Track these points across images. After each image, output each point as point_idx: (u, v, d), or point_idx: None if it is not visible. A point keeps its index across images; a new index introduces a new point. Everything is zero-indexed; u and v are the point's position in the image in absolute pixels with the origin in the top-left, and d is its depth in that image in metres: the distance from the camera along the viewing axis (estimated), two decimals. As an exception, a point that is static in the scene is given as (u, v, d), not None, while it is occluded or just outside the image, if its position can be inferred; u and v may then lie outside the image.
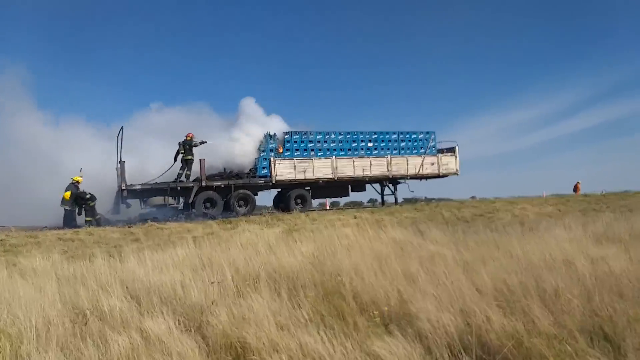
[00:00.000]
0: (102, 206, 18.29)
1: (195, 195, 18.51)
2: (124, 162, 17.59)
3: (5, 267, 8.72)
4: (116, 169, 18.09)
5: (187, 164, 18.78)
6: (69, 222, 15.99)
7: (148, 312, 5.83)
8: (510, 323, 4.33)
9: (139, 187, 17.85)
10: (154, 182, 18.34)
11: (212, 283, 6.56)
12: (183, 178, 18.68)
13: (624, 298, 4.89)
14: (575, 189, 31.20)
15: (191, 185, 18.60)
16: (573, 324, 4.15)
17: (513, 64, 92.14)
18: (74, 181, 16.39)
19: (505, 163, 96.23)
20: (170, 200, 18.82)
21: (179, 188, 18.55)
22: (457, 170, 23.38)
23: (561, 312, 4.53)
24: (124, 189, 17.41)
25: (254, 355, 4.43)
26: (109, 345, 4.71)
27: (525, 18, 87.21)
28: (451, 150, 23.49)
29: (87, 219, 16.23)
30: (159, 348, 4.66)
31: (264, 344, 4.60)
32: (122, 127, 17.99)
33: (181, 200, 19.64)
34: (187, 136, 18.82)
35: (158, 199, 18.72)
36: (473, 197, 31.95)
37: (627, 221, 11.88)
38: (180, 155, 18.74)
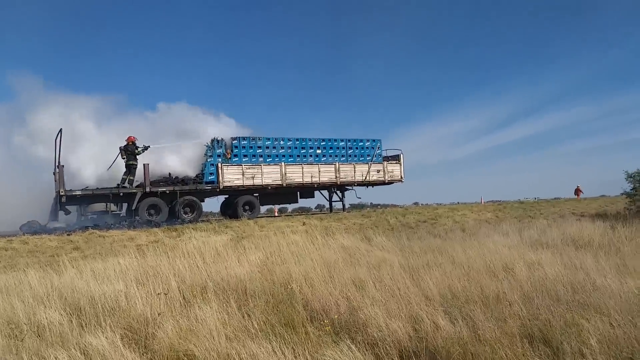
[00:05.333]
0: (39, 213, 17.32)
1: (139, 201, 17.82)
2: (63, 166, 16.67)
3: None
4: (54, 173, 17.11)
5: (129, 169, 18.04)
6: None
7: (89, 326, 5.58)
8: (456, 329, 4.49)
9: (79, 192, 16.98)
10: (94, 187, 17.52)
11: (157, 294, 6.36)
12: (126, 184, 17.94)
13: (560, 302, 5.19)
14: (577, 192, 31.86)
15: (134, 191, 17.91)
16: (514, 329, 4.37)
17: (453, 75, 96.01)
18: None
19: (446, 170, 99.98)
20: (112, 206, 18.04)
21: (121, 194, 17.81)
22: (402, 177, 24.03)
23: (503, 317, 4.74)
24: (62, 195, 16.50)
25: (202, 368, 4.32)
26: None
27: (466, 29, 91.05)
28: (396, 158, 24.13)
29: None
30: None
31: (213, 356, 4.51)
32: (60, 130, 17.04)
33: (124, 206, 18.87)
34: (128, 140, 18.04)
35: (99, 206, 17.90)
36: (416, 203, 32.96)
37: (558, 228, 12.67)
38: (120, 160, 17.98)
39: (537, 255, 8.22)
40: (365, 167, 22.82)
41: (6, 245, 11.85)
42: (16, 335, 5.35)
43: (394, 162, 23.97)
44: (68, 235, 13.61)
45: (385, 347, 4.42)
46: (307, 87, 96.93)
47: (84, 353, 4.71)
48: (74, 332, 5.44)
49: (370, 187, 24.03)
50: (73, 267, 8.36)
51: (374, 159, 23.20)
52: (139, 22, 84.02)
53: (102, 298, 6.48)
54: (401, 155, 24.08)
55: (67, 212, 18.19)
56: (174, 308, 6.00)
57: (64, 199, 16.73)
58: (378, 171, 23.22)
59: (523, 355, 3.83)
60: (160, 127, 20.89)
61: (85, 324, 5.68)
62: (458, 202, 24.87)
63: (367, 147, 23.23)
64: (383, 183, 23.73)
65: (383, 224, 17.34)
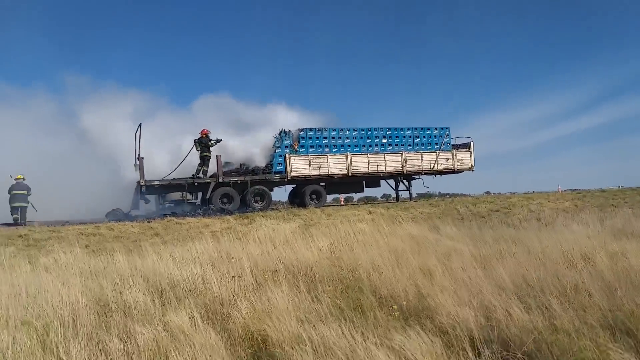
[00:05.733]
0: (121, 202, 18.65)
1: (213, 190, 18.72)
2: (142, 158, 17.83)
3: (29, 261, 8.92)
4: (134, 165, 18.35)
5: (203, 160, 18.96)
6: (25, 217, 16.61)
7: (170, 305, 5.95)
8: (531, 319, 4.34)
9: (157, 183, 18.10)
10: (171, 178, 18.57)
11: (232, 277, 6.66)
12: (200, 174, 18.88)
13: (645, 293, 4.85)
14: None
15: (208, 181, 18.80)
16: (594, 320, 4.15)
17: (527, 60, 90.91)
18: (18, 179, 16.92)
19: (520, 159, 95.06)
20: (188, 196, 19.06)
21: (196, 184, 18.77)
22: (472, 165, 23.28)
23: (582, 308, 4.52)
24: (142, 185, 17.66)
25: (276, 348, 4.48)
26: (134, 338, 4.81)
27: (539, 16, 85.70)
28: (466, 146, 23.40)
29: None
30: (182, 340, 4.75)
31: (285, 336, 4.67)
32: (140, 124, 18.23)
33: (199, 195, 19.85)
34: (202, 133, 18.96)
35: (176, 195, 18.97)
36: (488, 193, 31.75)
37: (646, 217, 11.74)
38: (195, 152, 18.93)
39: (621, 245, 7.68)
40: (433, 156, 22.33)
41: (94, 231, 12.88)
42: (105, 313, 5.80)
43: (464, 150, 23.26)
44: (148, 222, 14.55)
45: (456, 333, 4.36)
46: (372, 72, 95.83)
47: (167, 329, 5.04)
48: (157, 310, 5.82)
49: (438, 176, 23.48)
50: (154, 252, 8.93)
51: (442, 147, 22.63)
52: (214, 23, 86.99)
53: (181, 280, 6.88)
54: (471, 142, 23.33)
55: (147, 201, 19.47)
56: (247, 290, 6.25)
57: (144, 189, 17.90)
58: (447, 159, 22.64)
59: (604, 345, 3.63)
60: (230, 118, 21.70)
61: (167, 304, 6.07)
62: (533, 192, 23.63)
63: (435, 136, 22.70)
64: (452, 172, 23.11)
65: (452, 213, 16.92)
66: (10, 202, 16.58)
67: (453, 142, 23.36)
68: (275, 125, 20.79)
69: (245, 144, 20.41)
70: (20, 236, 12.15)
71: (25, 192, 16.76)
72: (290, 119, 21.36)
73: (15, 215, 16.47)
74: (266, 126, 21.00)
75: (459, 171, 23.24)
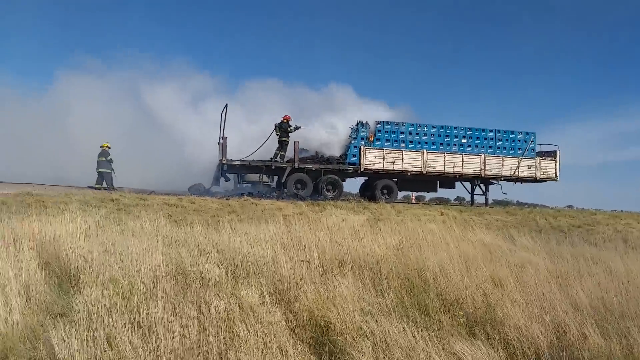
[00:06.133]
0: (203, 178, 19.73)
1: (288, 175, 19.24)
2: (226, 137, 18.70)
3: (118, 224, 9.71)
4: (218, 143, 19.27)
5: (282, 145, 19.52)
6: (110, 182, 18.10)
7: (241, 280, 6.26)
8: (608, 344, 4.13)
9: (237, 162, 18.91)
10: (250, 159, 19.31)
11: (301, 261, 6.86)
12: (278, 158, 19.47)
13: None
14: None
15: (285, 165, 19.34)
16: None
17: (627, 66, 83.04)
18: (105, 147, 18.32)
19: (610, 173, 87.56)
20: (264, 178, 19.77)
21: (273, 167, 19.38)
22: (556, 175, 21.97)
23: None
24: (224, 163, 18.56)
25: (338, 336, 4.60)
26: (207, 307, 5.13)
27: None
28: (552, 154, 22.10)
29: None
30: (251, 315, 5.00)
31: (348, 326, 4.77)
32: (226, 105, 19.10)
33: (274, 179, 20.48)
34: (283, 118, 19.53)
35: (254, 176, 19.78)
36: (570, 207, 29.84)
37: None
38: (275, 136, 19.52)
39: None
40: (514, 161, 21.34)
41: (177, 203, 13.76)
42: (182, 281, 6.22)
43: (549, 158, 22.00)
44: (227, 199, 15.31)
45: (523, 348, 4.25)
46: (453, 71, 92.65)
47: (238, 303, 5.33)
48: (229, 283, 6.15)
49: (518, 184, 22.43)
50: (230, 228, 9.39)
51: (526, 153, 21.54)
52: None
53: (253, 258, 7.20)
54: (558, 151, 22.00)
55: (227, 179, 20.43)
56: (314, 276, 6.43)
57: (225, 167, 18.79)
58: (529, 167, 21.54)
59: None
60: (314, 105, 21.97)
61: (238, 278, 6.39)
62: (622, 210, 21.88)
63: (519, 140, 21.67)
64: (534, 180, 21.96)
65: (530, 224, 16.14)
66: (97, 167, 18.16)
67: (538, 148, 22.17)
68: (351, 117, 20.85)
69: (322, 132, 20.68)
70: (112, 200, 13.27)
71: (105, 159, 18.23)
72: (371, 113, 21.26)
73: (98, 182, 18.07)
74: (342, 116, 21.07)
75: (542, 180, 22.03)
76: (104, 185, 17.98)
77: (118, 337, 4.14)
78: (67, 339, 4.02)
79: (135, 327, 4.42)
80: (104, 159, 18.22)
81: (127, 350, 3.94)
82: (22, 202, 11.99)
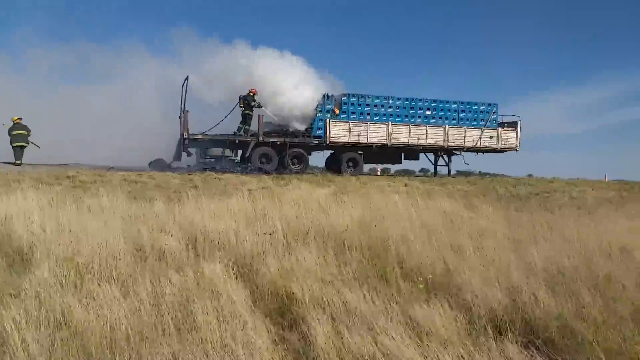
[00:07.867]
0: (164, 153, 19.24)
1: (252, 149, 18.99)
2: (187, 111, 18.22)
3: (74, 201, 9.37)
4: (179, 117, 18.76)
5: (245, 118, 19.18)
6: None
7: (203, 255, 6.18)
8: (558, 304, 4.28)
9: (200, 136, 18.50)
10: (213, 133, 18.92)
11: (264, 233, 6.82)
12: (242, 132, 19.14)
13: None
14: None
15: (249, 139, 19.06)
16: (625, 311, 4.05)
17: (588, 40, 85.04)
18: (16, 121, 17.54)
19: (569, 144, 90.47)
20: (228, 152, 19.44)
21: (237, 141, 19.07)
22: (517, 146, 22.56)
23: (613, 299, 4.41)
24: (186, 138, 18.12)
25: (298, 306, 4.61)
26: (164, 282, 5.04)
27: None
28: (513, 125, 22.62)
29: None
30: (209, 289, 4.94)
31: (309, 296, 4.79)
32: (187, 77, 18.52)
33: (239, 153, 20.19)
34: (250, 91, 19.10)
35: (217, 150, 19.40)
36: (530, 175, 30.74)
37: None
38: (239, 109, 19.13)
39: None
40: (477, 132, 21.74)
41: (137, 179, 13.41)
42: (140, 257, 6.08)
43: (510, 129, 22.52)
44: (189, 174, 15.01)
45: (479, 311, 4.37)
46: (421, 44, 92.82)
47: (198, 277, 5.26)
48: (189, 259, 6.07)
49: (480, 154, 22.93)
50: (191, 203, 9.22)
51: (488, 124, 21.96)
52: None
53: (215, 233, 7.11)
54: (519, 122, 22.53)
55: (189, 154, 19.99)
56: (277, 248, 6.41)
57: (187, 142, 18.35)
58: (491, 137, 22.01)
59: (631, 338, 3.55)
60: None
61: (199, 254, 6.31)
62: (577, 178, 22.70)
63: (482, 111, 22.06)
64: (495, 150, 22.49)
65: (490, 192, 16.57)
66: (12, 142, 17.32)
67: (500, 119, 22.65)
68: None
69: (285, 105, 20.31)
70: (68, 177, 12.80)
71: (25, 133, 17.43)
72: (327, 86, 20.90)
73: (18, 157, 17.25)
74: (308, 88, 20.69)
75: (503, 150, 22.59)
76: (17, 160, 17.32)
77: (72, 314, 4.03)
78: (18, 319, 3.88)
79: (90, 303, 4.30)
80: (25, 132, 17.40)
81: (80, 328, 3.84)
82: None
